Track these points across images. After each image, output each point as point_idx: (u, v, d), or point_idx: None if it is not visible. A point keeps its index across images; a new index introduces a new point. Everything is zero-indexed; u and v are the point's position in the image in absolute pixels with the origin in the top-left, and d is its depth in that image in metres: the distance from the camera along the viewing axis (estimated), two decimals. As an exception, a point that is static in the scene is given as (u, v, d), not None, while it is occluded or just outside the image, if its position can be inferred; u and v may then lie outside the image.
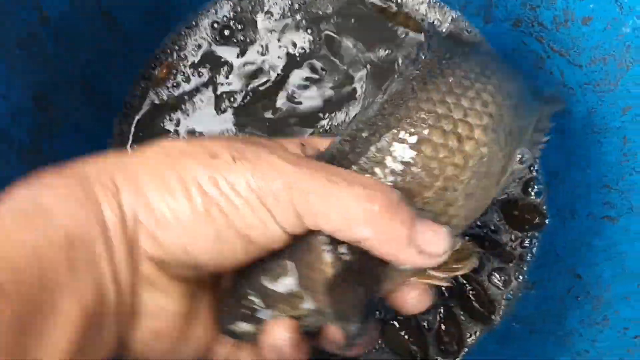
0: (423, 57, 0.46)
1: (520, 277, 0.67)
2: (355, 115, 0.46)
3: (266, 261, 0.42)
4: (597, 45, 0.56)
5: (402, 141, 0.42)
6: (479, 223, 0.67)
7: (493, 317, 0.67)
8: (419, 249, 0.39)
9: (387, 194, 0.39)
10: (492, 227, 0.68)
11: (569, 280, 0.62)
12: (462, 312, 0.67)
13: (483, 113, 0.43)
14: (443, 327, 0.67)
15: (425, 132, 0.42)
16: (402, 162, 0.41)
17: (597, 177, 0.60)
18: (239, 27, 0.69)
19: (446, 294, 0.67)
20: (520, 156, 0.46)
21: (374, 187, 0.39)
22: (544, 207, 0.67)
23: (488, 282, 0.68)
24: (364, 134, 0.43)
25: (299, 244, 0.41)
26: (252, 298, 0.42)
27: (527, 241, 0.67)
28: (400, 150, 0.42)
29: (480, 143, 0.43)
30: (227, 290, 0.44)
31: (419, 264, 0.40)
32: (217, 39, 0.69)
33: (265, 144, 0.41)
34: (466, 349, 0.67)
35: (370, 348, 0.44)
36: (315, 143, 0.47)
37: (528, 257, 0.67)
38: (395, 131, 0.42)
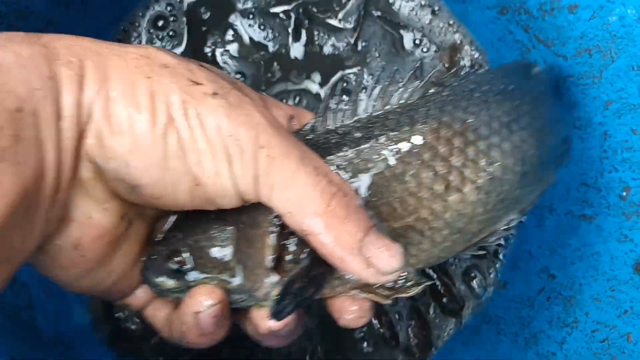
0: (455, 83, 0.44)
1: (492, 274, 0.65)
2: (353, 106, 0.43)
3: (208, 221, 0.39)
4: (582, 35, 0.54)
5: (389, 164, 0.40)
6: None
7: (462, 312, 0.65)
8: (368, 262, 0.37)
9: (350, 196, 0.37)
10: None
11: (541, 280, 0.60)
12: (432, 306, 0.65)
13: (484, 171, 0.41)
14: (410, 329, 0.64)
15: (416, 165, 0.40)
16: (382, 183, 0.39)
17: (578, 174, 0.58)
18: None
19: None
20: (506, 225, 0.44)
21: (341, 186, 0.37)
22: None
23: (460, 280, 0.65)
24: (356, 135, 0.41)
25: (245, 216, 0.38)
26: (184, 255, 0.39)
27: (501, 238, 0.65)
28: (384, 171, 0.40)
29: (466, 200, 0.41)
30: (159, 240, 0.41)
31: (364, 277, 0.38)
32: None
33: (253, 97, 0.39)
34: (434, 349, 0.64)
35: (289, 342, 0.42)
36: (307, 119, 0.45)
37: (501, 255, 0.65)
38: (387, 151, 0.40)
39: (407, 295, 0.41)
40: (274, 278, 0.38)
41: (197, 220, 0.39)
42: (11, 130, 0.31)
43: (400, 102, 0.43)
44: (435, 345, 0.65)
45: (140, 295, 0.43)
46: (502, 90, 0.44)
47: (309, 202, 0.36)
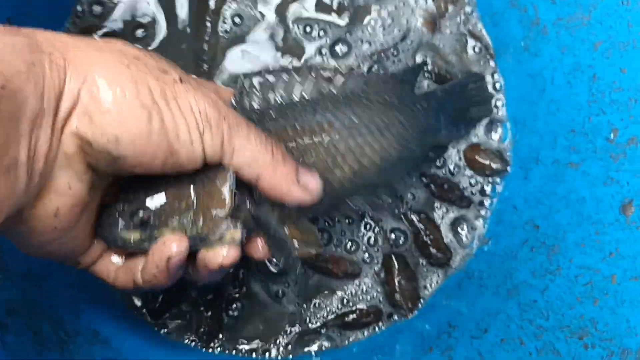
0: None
1: (478, 225, 0.63)
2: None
3: (168, 181, 0.45)
4: (572, -27, 0.53)
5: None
6: (438, 164, 0.64)
7: (450, 262, 0.63)
8: (303, 186, 0.47)
9: (281, 149, 0.47)
10: (451, 168, 0.64)
11: (525, 232, 0.58)
12: (419, 257, 0.64)
13: (357, 161, 0.53)
14: (397, 280, 0.63)
15: (315, 143, 0.51)
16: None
17: (566, 121, 0.56)
18: None
19: (401, 241, 0.63)
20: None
21: (276, 144, 0.46)
22: (508, 154, 0.63)
23: (448, 230, 0.64)
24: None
25: (203, 175, 0.45)
26: (151, 211, 0.45)
27: (487, 188, 0.63)
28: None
29: (344, 177, 0.52)
30: (119, 199, 0.46)
31: (304, 198, 0.47)
32: None
33: (200, 81, 0.47)
34: (421, 303, 0.63)
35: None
36: (227, 94, 0.52)
37: (487, 204, 0.63)
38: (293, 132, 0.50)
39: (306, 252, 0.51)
40: (229, 221, 0.45)
41: (156, 180, 0.45)
42: None
43: (303, 95, 0.52)
44: (423, 296, 0.63)
45: (90, 254, 0.47)
46: (384, 100, 0.56)
47: (260, 156, 0.44)
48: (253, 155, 0.44)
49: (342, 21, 0.65)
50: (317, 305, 0.63)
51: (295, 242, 0.50)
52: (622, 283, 0.47)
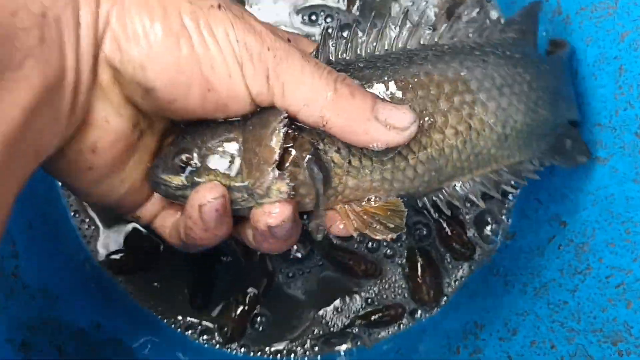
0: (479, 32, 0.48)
1: (502, 218, 0.62)
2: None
3: (216, 125, 0.41)
4: (597, -39, 0.51)
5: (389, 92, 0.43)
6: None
7: (474, 256, 0.63)
8: (384, 123, 0.40)
9: (349, 80, 0.41)
10: None
11: (551, 228, 0.57)
12: (444, 251, 0.63)
13: (464, 121, 0.44)
14: (421, 276, 0.62)
15: (410, 98, 0.43)
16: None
17: (591, 114, 0.55)
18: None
19: (424, 233, 0.63)
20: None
21: (341, 75, 0.41)
22: None
23: (472, 226, 0.63)
24: (359, 65, 0.44)
25: (254, 119, 0.41)
26: (192, 153, 0.41)
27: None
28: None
29: (446, 143, 0.44)
30: (169, 141, 0.43)
31: (389, 139, 0.40)
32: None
33: (248, 13, 0.42)
34: (445, 298, 0.62)
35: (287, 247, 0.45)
36: (303, 44, 0.48)
37: (511, 203, 0.62)
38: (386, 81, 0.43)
39: (382, 237, 0.43)
40: (276, 173, 0.40)
41: (206, 126, 0.42)
42: (37, 32, 0.33)
43: (398, 45, 0.45)
44: (446, 293, 0.62)
45: (150, 207, 0.45)
46: (503, 55, 0.47)
47: (320, 91, 0.39)
48: (310, 91, 0.39)
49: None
50: (340, 304, 0.63)
51: (355, 221, 0.44)
52: (656, 286, 0.46)
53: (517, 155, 0.48)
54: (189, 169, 0.42)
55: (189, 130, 0.42)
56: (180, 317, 0.61)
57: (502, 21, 0.46)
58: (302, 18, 0.64)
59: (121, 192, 0.43)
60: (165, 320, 0.61)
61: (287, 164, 0.41)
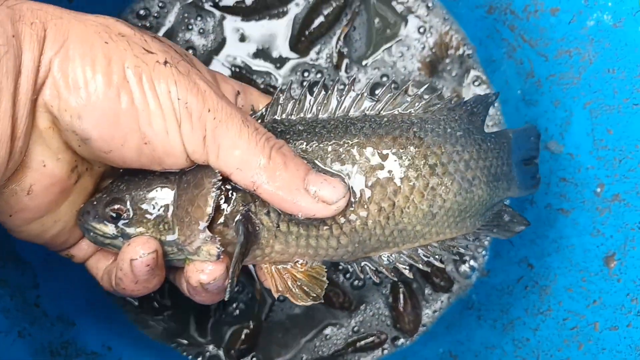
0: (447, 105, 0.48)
1: (478, 256, 0.68)
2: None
3: (152, 177, 0.42)
4: (563, 37, 0.56)
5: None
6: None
7: (452, 289, 0.68)
8: (314, 195, 0.41)
9: (286, 147, 0.41)
10: None
11: (520, 270, 0.63)
12: (424, 284, 0.69)
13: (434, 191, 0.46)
14: (402, 306, 0.68)
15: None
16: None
17: (558, 169, 0.60)
18: None
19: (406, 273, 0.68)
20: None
21: (278, 142, 0.41)
22: None
23: (449, 262, 0.69)
24: (299, 128, 0.45)
25: (189, 176, 0.42)
26: (125, 204, 0.42)
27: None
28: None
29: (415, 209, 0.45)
30: (103, 188, 0.44)
31: (316, 212, 0.41)
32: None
33: (201, 69, 0.43)
34: (425, 328, 0.68)
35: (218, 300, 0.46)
36: (254, 97, 0.49)
37: (486, 242, 0.68)
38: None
39: (302, 303, 0.45)
40: (207, 235, 0.41)
41: (142, 176, 0.43)
42: None
43: (339, 112, 0.46)
44: (425, 323, 0.68)
45: (84, 247, 0.46)
46: (444, 132, 0.47)
47: (253, 157, 0.40)
48: (244, 155, 0.40)
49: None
50: (329, 331, 0.68)
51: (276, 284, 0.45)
52: (603, 332, 0.51)
53: (447, 232, 0.48)
54: (120, 220, 0.42)
55: (125, 179, 0.43)
56: (185, 342, 0.67)
57: (453, 102, 0.47)
58: (296, 73, 0.69)
59: (54, 231, 0.43)
60: (171, 345, 0.67)
61: (218, 223, 0.42)
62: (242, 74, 0.68)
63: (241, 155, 0.40)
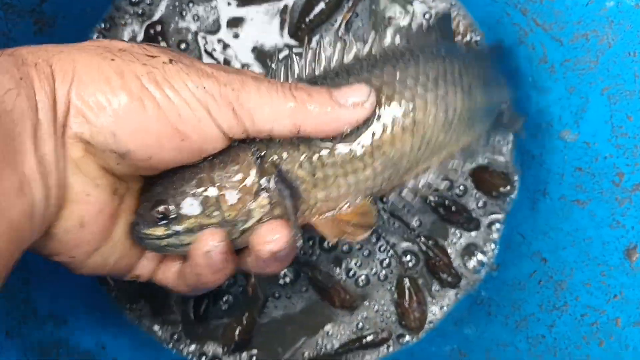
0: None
1: (487, 250, 0.66)
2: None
3: (184, 170, 0.43)
4: (580, 20, 0.54)
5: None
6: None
7: (460, 284, 0.66)
8: (347, 104, 0.43)
9: (300, 84, 0.43)
10: (459, 190, 0.67)
11: (533, 264, 0.60)
12: (431, 280, 0.67)
13: (408, 116, 0.47)
14: (407, 303, 0.65)
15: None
16: None
17: (573, 159, 0.58)
18: None
19: (412, 264, 0.66)
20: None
21: (292, 83, 0.43)
22: (515, 178, 0.67)
23: (458, 257, 0.67)
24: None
25: (221, 157, 0.43)
26: (169, 204, 0.43)
27: (496, 210, 0.66)
28: None
29: (396, 139, 0.47)
30: (145, 195, 0.45)
31: (358, 115, 0.43)
32: None
33: (198, 60, 0.44)
34: (430, 324, 0.66)
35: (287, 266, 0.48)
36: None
37: (495, 235, 0.65)
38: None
39: (361, 237, 0.47)
40: (251, 196, 0.43)
41: (172, 174, 0.43)
42: None
43: (333, 63, 0.48)
44: (432, 320, 0.66)
45: (145, 264, 0.47)
46: (431, 53, 0.50)
47: (282, 105, 0.41)
48: (273, 108, 0.41)
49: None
50: (330, 328, 0.66)
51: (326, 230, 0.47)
52: (626, 328, 0.49)
53: (463, 138, 0.52)
54: (168, 219, 0.43)
55: (159, 182, 0.44)
56: (180, 339, 0.64)
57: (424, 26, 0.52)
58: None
59: (114, 258, 0.44)
60: (167, 344, 0.64)
61: (259, 192, 0.43)
62: (238, 62, 0.66)
63: (271, 109, 0.41)
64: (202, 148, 0.41)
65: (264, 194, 0.43)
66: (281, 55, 0.66)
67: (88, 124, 0.38)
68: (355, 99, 0.43)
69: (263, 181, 0.44)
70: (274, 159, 0.44)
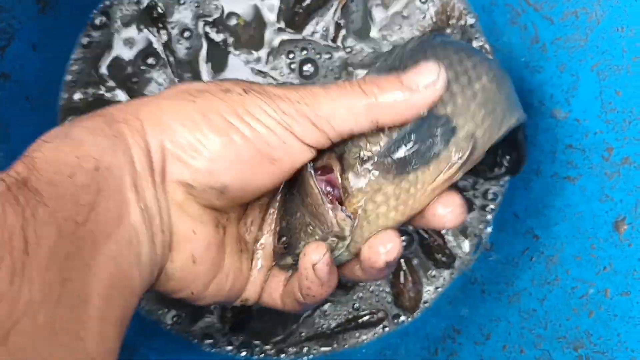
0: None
1: (481, 230, 0.66)
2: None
3: (284, 202, 0.48)
4: (569, -4, 0.55)
5: None
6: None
7: (454, 265, 0.67)
8: (417, 88, 0.42)
9: (365, 77, 0.44)
10: None
11: (525, 241, 0.61)
12: (426, 260, 0.67)
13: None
14: (403, 283, 0.66)
15: None
16: None
17: (564, 136, 0.59)
18: None
19: (406, 244, 0.67)
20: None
21: (359, 80, 0.44)
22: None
23: (451, 236, 0.67)
24: None
25: (298, 183, 0.46)
26: (284, 238, 0.47)
27: (490, 190, 0.67)
28: None
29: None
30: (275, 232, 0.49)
31: (429, 97, 0.43)
32: None
33: (264, 85, 0.46)
34: (425, 304, 0.66)
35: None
36: None
37: (489, 208, 0.66)
38: None
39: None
40: (332, 210, 0.45)
41: (284, 210, 0.48)
42: (94, 186, 0.37)
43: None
44: (427, 300, 0.67)
45: (250, 288, 0.50)
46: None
47: (356, 104, 0.42)
48: (348, 109, 0.42)
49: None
50: (327, 307, 0.67)
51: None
52: (615, 298, 0.50)
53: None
54: (289, 248, 0.47)
55: (279, 218, 0.49)
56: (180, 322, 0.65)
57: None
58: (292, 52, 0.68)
59: (228, 285, 0.47)
60: (177, 332, 0.66)
61: (330, 198, 0.45)
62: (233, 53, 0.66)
63: (346, 110, 0.42)
64: (292, 166, 0.44)
65: (338, 210, 0.45)
66: (278, 41, 0.67)
67: (187, 167, 0.41)
68: (425, 79, 0.43)
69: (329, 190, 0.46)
70: (339, 167, 0.45)
